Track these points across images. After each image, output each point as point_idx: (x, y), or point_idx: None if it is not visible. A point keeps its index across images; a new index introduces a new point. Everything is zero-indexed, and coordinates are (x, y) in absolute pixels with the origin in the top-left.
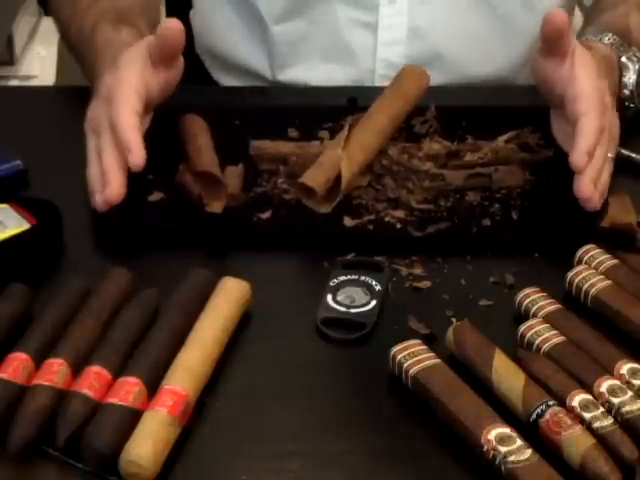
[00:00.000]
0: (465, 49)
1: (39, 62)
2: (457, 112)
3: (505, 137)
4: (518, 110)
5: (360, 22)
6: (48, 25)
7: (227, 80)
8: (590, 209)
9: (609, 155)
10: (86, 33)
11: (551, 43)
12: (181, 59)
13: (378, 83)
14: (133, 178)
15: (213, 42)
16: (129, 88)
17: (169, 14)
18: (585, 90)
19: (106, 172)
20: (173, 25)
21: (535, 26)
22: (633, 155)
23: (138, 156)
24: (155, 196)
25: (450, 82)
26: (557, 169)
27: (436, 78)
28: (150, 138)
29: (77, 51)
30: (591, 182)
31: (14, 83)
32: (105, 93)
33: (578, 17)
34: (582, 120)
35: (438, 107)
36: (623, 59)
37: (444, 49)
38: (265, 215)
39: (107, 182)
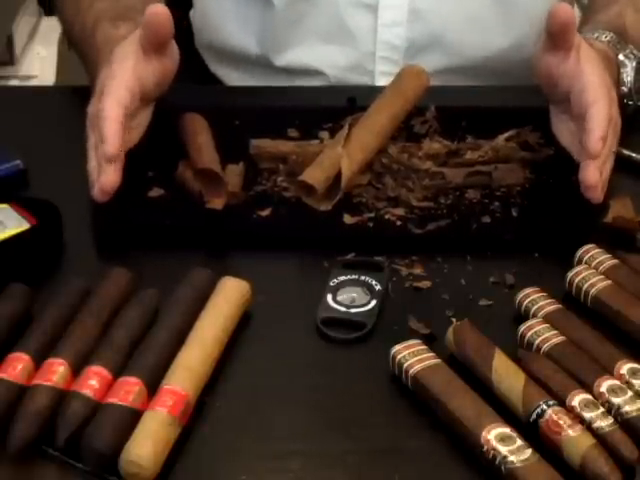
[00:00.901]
0: (465, 31)
1: (39, 62)
2: (457, 112)
3: (505, 135)
4: (518, 110)
5: (361, 3)
6: (48, 25)
7: (226, 71)
8: (592, 199)
9: (612, 148)
10: (87, 31)
11: (556, 37)
12: (175, 48)
13: (378, 66)
14: (133, 175)
15: (213, 36)
16: (119, 82)
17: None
18: (593, 82)
19: (100, 162)
20: (159, 10)
21: (535, 9)
22: (633, 155)
23: (110, 144)
24: (155, 192)
25: (450, 64)
26: (557, 168)
27: (436, 60)
28: (150, 135)
29: (80, 50)
30: (597, 170)
31: (14, 83)
32: (99, 90)
33: (576, 14)
34: (592, 108)
35: (438, 107)
36: (620, 57)
37: (445, 31)
38: (265, 213)
39: (101, 171)
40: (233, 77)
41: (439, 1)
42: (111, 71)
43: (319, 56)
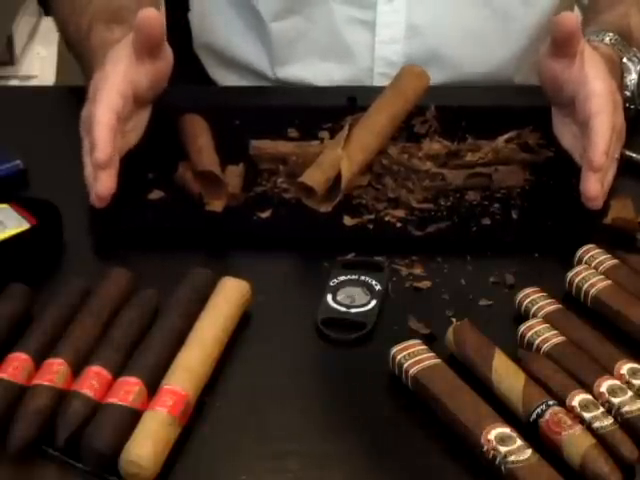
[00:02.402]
0: (464, 47)
1: (39, 62)
2: (457, 112)
3: (505, 137)
4: (518, 110)
5: (358, 20)
6: (48, 25)
7: (225, 77)
8: (593, 207)
9: (615, 155)
10: (83, 33)
11: (561, 45)
12: (169, 50)
13: (377, 82)
14: (133, 177)
15: (212, 39)
16: (111, 87)
17: (169, 14)
18: (597, 89)
19: (94, 168)
20: (150, 14)
21: (533, 22)
22: (634, 155)
23: (101, 151)
24: (155, 194)
25: (449, 80)
26: (557, 169)
27: (435, 76)
28: (150, 137)
29: (75, 51)
30: (599, 182)
31: (14, 83)
32: (91, 94)
33: (577, 15)
34: (596, 119)
35: (438, 107)
36: (624, 60)
37: (442, 47)
38: (265, 214)
39: (96, 177)
40: (231, 81)
41: (436, 17)
42: (103, 75)
43: (317, 72)
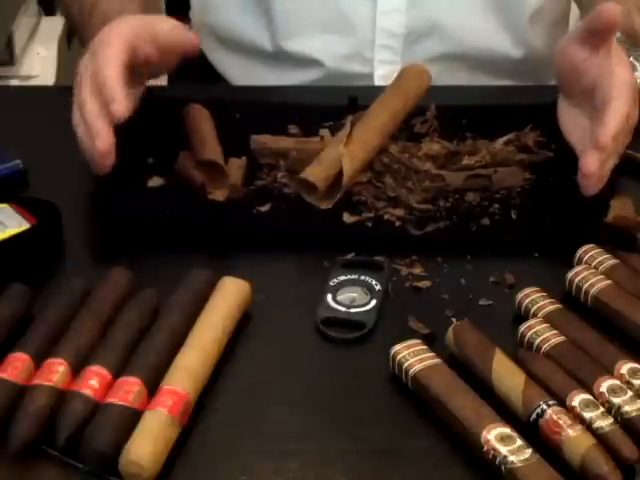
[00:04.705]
0: (465, 19)
1: (39, 62)
2: (457, 112)
3: (504, 139)
4: (518, 110)
5: None
6: (48, 25)
7: (227, 60)
8: (586, 188)
9: (620, 146)
10: (85, 13)
11: (597, 34)
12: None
13: (377, 54)
14: (133, 164)
15: (212, 20)
16: (118, 35)
17: (169, 14)
18: (620, 80)
19: (91, 124)
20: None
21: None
22: (633, 154)
23: (121, 104)
24: (155, 181)
25: (449, 51)
26: (557, 168)
27: (435, 48)
28: (151, 124)
29: (79, 33)
30: (599, 161)
31: (14, 83)
32: (93, 47)
33: (575, 12)
34: (612, 103)
35: (438, 107)
36: (630, 59)
37: (443, 18)
38: (264, 208)
39: (95, 134)
40: (231, 63)
41: None
42: (108, 30)
43: (318, 45)
